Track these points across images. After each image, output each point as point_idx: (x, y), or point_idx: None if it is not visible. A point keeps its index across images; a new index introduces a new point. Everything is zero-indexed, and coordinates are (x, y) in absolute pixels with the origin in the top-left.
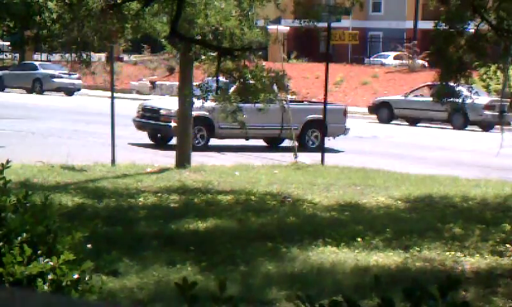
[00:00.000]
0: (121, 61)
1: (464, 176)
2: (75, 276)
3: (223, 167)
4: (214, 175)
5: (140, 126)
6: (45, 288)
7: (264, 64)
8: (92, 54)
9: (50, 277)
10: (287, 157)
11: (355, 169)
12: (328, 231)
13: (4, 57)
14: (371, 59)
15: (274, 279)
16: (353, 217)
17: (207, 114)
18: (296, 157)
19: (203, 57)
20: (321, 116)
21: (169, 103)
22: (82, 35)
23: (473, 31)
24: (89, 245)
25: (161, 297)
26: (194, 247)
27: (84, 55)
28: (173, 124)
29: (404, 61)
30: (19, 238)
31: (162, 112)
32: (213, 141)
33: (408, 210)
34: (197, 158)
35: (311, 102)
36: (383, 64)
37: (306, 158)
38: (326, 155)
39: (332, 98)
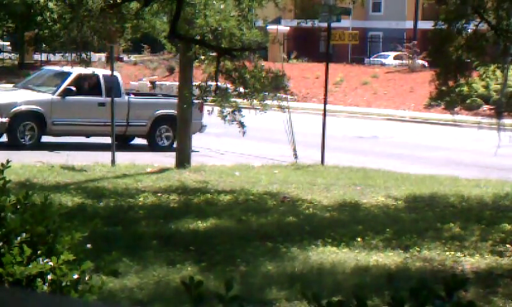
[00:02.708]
0: (121, 61)
1: (464, 176)
2: (75, 276)
3: (223, 167)
4: (214, 175)
5: None
6: (45, 288)
7: (263, 64)
8: (92, 54)
9: (49, 277)
10: (286, 157)
11: (355, 169)
12: (328, 231)
13: (5, 57)
14: (371, 59)
15: (274, 279)
16: (353, 217)
17: (39, 108)
18: (295, 157)
19: (202, 57)
20: (173, 111)
21: None
22: (82, 35)
23: (472, 30)
24: (89, 245)
25: (161, 297)
26: (194, 247)
27: (84, 55)
28: (1, 119)
29: (404, 61)
30: (19, 238)
31: None
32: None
33: (408, 210)
34: (196, 158)
35: (164, 95)
36: (383, 64)
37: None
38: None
39: (332, 98)
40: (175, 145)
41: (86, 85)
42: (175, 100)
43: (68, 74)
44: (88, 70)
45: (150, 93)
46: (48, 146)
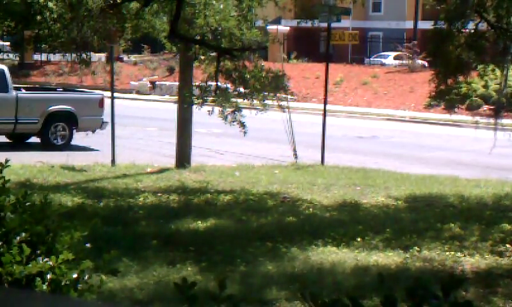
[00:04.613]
0: (121, 61)
1: (464, 176)
2: (75, 276)
3: (223, 167)
4: (214, 175)
5: None
6: (44, 287)
7: (263, 64)
8: (92, 54)
9: (49, 276)
10: (286, 157)
11: (355, 169)
12: (327, 231)
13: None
14: (371, 59)
15: (274, 279)
16: (353, 217)
17: None
18: (295, 157)
19: (202, 57)
20: (69, 106)
21: None
22: (82, 35)
23: (471, 29)
24: (88, 245)
25: (161, 297)
26: (194, 247)
27: (84, 55)
28: None
29: (404, 61)
30: (18, 237)
31: None
32: None
33: (408, 210)
34: (197, 158)
35: (62, 90)
36: (383, 64)
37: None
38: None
39: (332, 98)
40: (72, 143)
41: None
42: (73, 95)
43: None
44: None
45: (44, 88)
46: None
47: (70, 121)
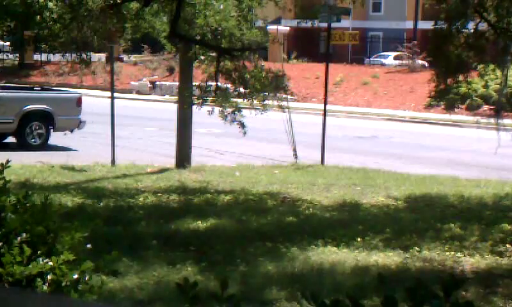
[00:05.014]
0: (121, 61)
1: (464, 176)
2: (75, 276)
3: (223, 167)
4: (214, 175)
5: None
6: (45, 288)
7: (263, 64)
8: (92, 54)
9: (49, 277)
10: (286, 157)
11: (355, 169)
12: (327, 231)
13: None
14: (371, 59)
15: (274, 279)
16: (353, 217)
17: None
18: (295, 157)
19: (202, 57)
20: (46, 106)
21: None
22: (82, 35)
23: (471, 29)
24: (89, 245)
25: (161, 297)
26: (194, 247)
27: (84, 55)
28: None
29: (404, 61)
30: (19, 238)
31: None
32: None
33: (408, 210)
34: (197, 158)
35: (38, 89)
36: (383, 64)
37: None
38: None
39: (332, 98)
40: (49, 143)
41: None
42: (49, 94)
43: None
44: None
45: (21, 87)
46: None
47: (47, 120)
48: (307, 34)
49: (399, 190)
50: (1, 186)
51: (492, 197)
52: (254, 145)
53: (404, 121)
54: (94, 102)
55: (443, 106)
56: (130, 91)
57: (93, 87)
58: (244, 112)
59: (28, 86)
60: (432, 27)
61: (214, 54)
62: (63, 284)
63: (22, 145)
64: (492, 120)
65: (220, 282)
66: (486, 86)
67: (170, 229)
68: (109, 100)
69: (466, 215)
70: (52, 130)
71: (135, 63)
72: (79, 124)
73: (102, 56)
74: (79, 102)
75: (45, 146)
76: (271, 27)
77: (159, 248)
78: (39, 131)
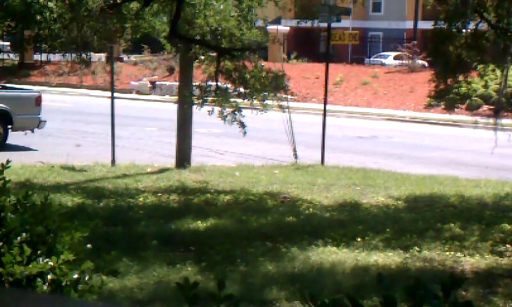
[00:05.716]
0: (121, 61)
1: (464, 176)
2: (75, 276)
3: (223, 167)
4: (214, 175)
5: None
6: (45, 288)
7: (263, 64)
8: (92, 54)
9: (49, 277)
10: (286, 157)
11: (355, 169)
12: (327, 231)
13: (5, 57)
14: (371, 59)
15: (274, 279)
16: (353, 217)
17: None
18: (295, 157)
19: (202, 57)
20: (3, 105)
21: None
22: (82, 35)
23: (471, 29)
24: (89, 245)
25: (161, 297)
26: (194, 247)
27: (84, 55)
28: None
29: (404, 61)
30: (19, 238)
31: None
32: None
33: (408, 210)
34: (197, 158)
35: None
36: (383, 64)
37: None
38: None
39: (332, 98)
40: (7, 142)
41: None
42: (7, 93)
43: None
44: None
45: None
46: None
47: (5, 120)
48: (307, 34)
49: (399, 190)
50: (1, 186)
51: (492, 197)
52: (254, 145)
53: (404, 121)
54: (94, 102)
55: (443, 106)
56: (130, 91)
57: (93, 87)
58: (244, 112)
59: None
60: (432, 27)
61: (214, 54)
62: (63, 284)
63: None
64: (491, 120)
65: (217, 282)
66: (485, 86)
67: (170, 229)
68: (109, 100)
69: (466, 215)
70: (10, 130)
71: (135, 63)
72: (39, 123)
73: (102, 56)
74: (38, 100)
75: (3, 146)
76: (271, 27)
77: (159, 248)
78: None
